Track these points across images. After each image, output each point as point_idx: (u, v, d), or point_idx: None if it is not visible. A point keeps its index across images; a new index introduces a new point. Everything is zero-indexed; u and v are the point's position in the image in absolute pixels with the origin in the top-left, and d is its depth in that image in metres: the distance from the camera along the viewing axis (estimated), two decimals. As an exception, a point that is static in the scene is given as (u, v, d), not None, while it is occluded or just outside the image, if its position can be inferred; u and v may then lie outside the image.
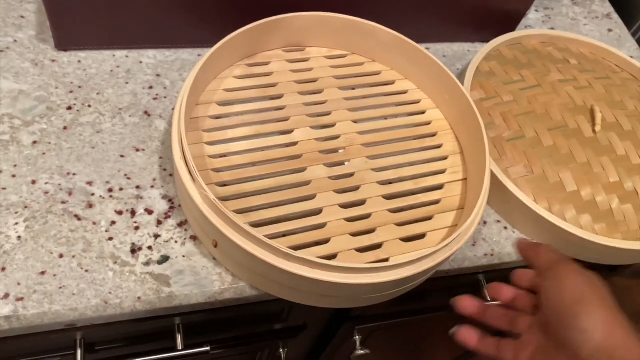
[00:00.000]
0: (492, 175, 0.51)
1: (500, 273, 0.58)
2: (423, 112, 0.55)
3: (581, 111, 0.57)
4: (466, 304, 0.43)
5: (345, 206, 0.47)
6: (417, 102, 0.56)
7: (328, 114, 0.53)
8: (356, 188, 0.49)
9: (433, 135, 0.54)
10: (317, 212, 0.47)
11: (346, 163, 0.50)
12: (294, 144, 0.50)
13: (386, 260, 0.45)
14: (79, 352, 0.50)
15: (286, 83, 0.54)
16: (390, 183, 0.50)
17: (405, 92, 0.57)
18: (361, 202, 0.48)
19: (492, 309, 0.43)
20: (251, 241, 0.40)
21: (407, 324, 0.75)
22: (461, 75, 0.59)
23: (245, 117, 0.51)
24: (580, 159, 0.53)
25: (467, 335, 0.42)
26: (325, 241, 0.45)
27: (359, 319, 0.67)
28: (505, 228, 0.53)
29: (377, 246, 0.46)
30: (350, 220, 0.47)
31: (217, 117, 0.50)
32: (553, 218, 0.48)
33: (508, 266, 0.53)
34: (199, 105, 0.50)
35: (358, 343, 0.71)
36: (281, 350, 0.69)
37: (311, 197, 0.47)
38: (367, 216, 0.47)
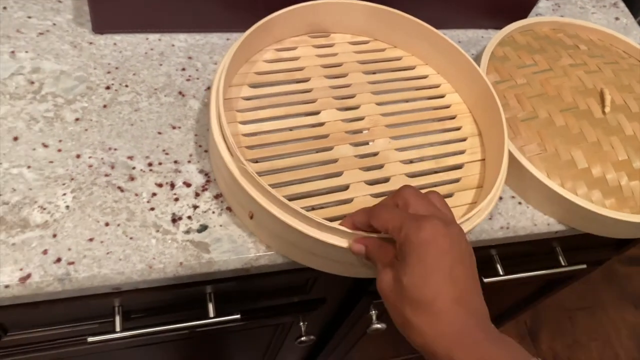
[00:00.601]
0: (508, 153, 0.54)
1: (513, 248, 0.62)
2: (442, 96, 0.58)
3: (591, 94, 0.60)
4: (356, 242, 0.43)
5: (370, 183, 0.50)
6: (436, 86, 0.59)
7: (352, 96, 0.56)
8: (381, 166, 0.52)
9: (452, 118, 0.57)
10: (344, 188, 0.50)
11: (370, 143, 0.53)
12: (321, 124, 0.53)
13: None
14: (117, 319, 0.54)
15: (312, 67, 0.57)
16: (412, 162, 0.53)
17: (425, 77, 0.59)
18: (385, 180, 0.51)
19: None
20: (287, 212, 0.43)
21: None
22: (476, 60, 0.62)
23: (275, 98, 0.54)
24: (591, 139, 0.56)
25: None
26: None
27: (376, 293, 0.70)
28: (520, 203, 0.56)
29: None
30: (375, 196, 0.50)
31: (249, 99, 0.53)
32: (566, 193, 0.51)
33: (520, 239, 0.57)
34: (231, 87, 0.53)
35: (374, 317, 0.74)
36: (301, 324, 0.72)
37: (338, 174, 0.50)
38: (391, 193, 0.50)
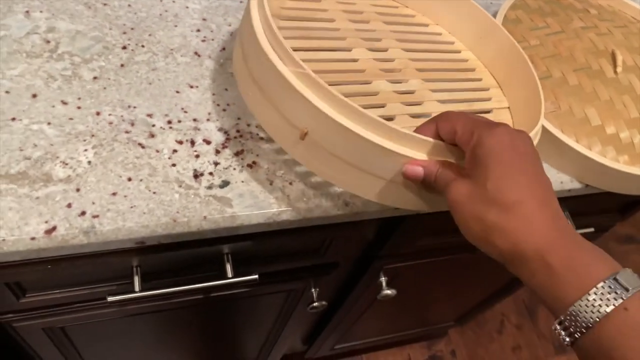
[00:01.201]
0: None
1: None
2: (458, 52, 0.58)
3: (603, 55, 0.60)
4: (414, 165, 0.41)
5: (414, 116, 0.49)
6: (451, 43, 0.59)
7: (379, 40, 0.55)
8: (420, 103, 0.51)
9: (472, 70, 0.57)
10: (390, 118, 0.48)
11: (405, 82, 0.52)
12: (355, 60, 0.52)
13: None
14: (136, 279, 0.54)
15: (335, 11, 0.56)
16: (449, 102, 0.52)
17: (439, 34, 0.60)
18: (427, 114, 0.50)
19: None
20: (353, 119, 0.38)
21: (433, 266, 0.78)
22: (489, 22, 0.63)
23: (304, 32, 0.52)
24: (604, 97, 0.57)
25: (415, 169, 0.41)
26: None
27: (387, 257, 0.70)
28: (534, 162, 0.57)
29: None
30: None
31: (280, 29, 0.49)
32: (581, 148, 0.52)
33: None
34: None
35: (384, 284, 0.75)
36: (313, 290, 0.73)
37: (382, 105, 0.49)
38: None
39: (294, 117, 0.42)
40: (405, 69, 0.53)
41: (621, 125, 0.56)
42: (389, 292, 0.74)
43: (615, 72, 0.59)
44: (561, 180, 0.56)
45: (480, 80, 0.56)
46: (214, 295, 0.66)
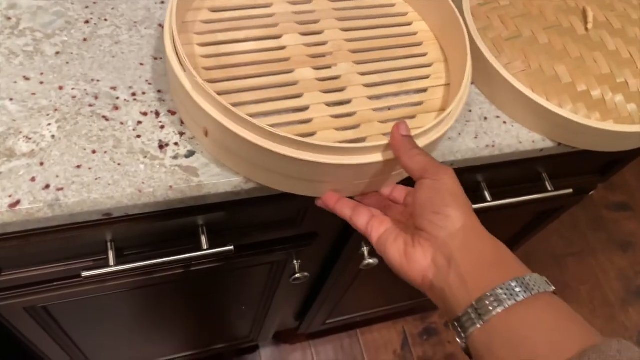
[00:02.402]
0: (492, 70, 0.54)
1: (499, 173, 0.62)
2: (409, 24, 0.58)
3: (574, 12, 0.60)
4: (326, 197, 0.47)
5: (331, 104, 0.50)
6: (404, 14, 0.58)
7: (316, 21, 0.55)
8: (342, 89, 0.51)
9: (418, 44, 0.56)
10: (304, 108, 0.49)
11: (333, 67, 0.53)
12: (283, 47, 0.52)
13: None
14: (110, 254, 0.54)
15: None
16: (376, 85, 0.53)
17: (392, 5, 0.59)
18: (347, 102, 0.51)
19: (369, 197, 0.48)
20: (240, 124, 0.42)
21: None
22: (459, -16, 0.62)
23: (235, 22, 0.53)
24: (574, 54, 0.56)
25: (327, 197, 0.47)
26: (311, 134, 0.48)
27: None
28: (505, 122, 0.57)
29: (361, 140, 0.49)
30: (335, 117, 0.49)
31: (209, 22, 0.52)
32: (551, 106, 0.52)
33: (506, 158, 0.57)
34: (191, 11, 0.52)
35: (366, 253, 0.75)
36: (294, 262, 0.73)
37: (298, 95, 0.50)
38: (352, 114, 0.50)
39: (195, 117, 0.45)
40: (338, 52, 0.53)
41: (592, 82, 0.55)
42: (371, 261, 0.75)
43: (586, 28, 0.58)
44: (533, 139, 0.56)
45: (424, 55, 0.55)
46: (195, 269, 0.66)
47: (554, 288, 0.37)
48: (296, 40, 0.53)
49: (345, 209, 0.46)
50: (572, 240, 1.65)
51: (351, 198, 0.48)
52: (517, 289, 0.35)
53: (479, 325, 0.36)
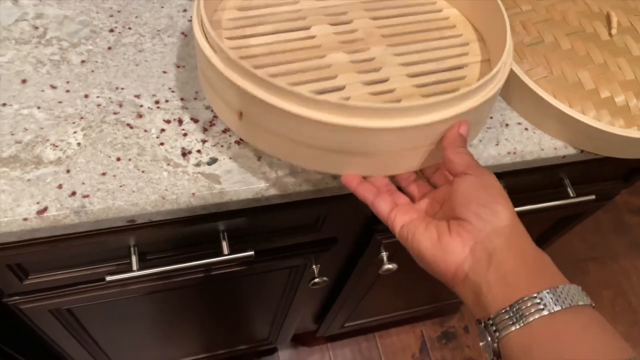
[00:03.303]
0: (514, 76, 0.53)
1: (521, 179, 0.62)
2: (440, 11, 0.57)
3: (597, 17, 0.59)
4: (348, 177, 0.44)
5: (368, 83, 0.48)
6: (432, 3, 0.58)
7: (345, 13, 0.54)
8: (378, 69, 0.50)
9: (452, 27, 0.55)
10: (340, 88, 0.48)
11: (366, 50, 0.51)
12: (312, 37, 0.51)
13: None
14: (133, 258, 0.55)
15: None
16: (414, 65, 0.51)
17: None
18: (384, 80, 0.49)
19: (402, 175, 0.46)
20: (275, 94, 0.40)
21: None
22: (480, -11, 0.61)
23: (262, 18, 0.52)
24: (598, 60, 0.56)
25: (349, 178, 0.44)
26: None
27: (387, 231, 0.70)
28: (526, 129, 0.56)
29: None
30: (374, 94, 0.48)
31: (236, 19, 0.52)
32: (573, 112, 0.51)
33: (528, 165, 0.57)
34: (218, 11, 0.52)
35: (385, 258, 0.75)
36: (314, 267, 0.73)
37: (333, 77, 0.48)
38: (391, 90, 0.48)
39: (229, 98, 0.43)
40: (369, 38, 0.52)
41: (616, 88, 0.55)
42: (390, 266, 0.75)
43: (610, 34, 0.58)
44: (555, 146, 0.55)
45: (460, 36, 0.54)
46: (215, 273, 0.67)
47: (593, 303, 0.36)
48: (326, 30, 0.52)
49: (367, 193, 0.44)
50: (594, 244, 1.62)
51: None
52: (561, 297, 0.35)
53: (517, 327, 0.35)
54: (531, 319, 0.34)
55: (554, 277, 0.37)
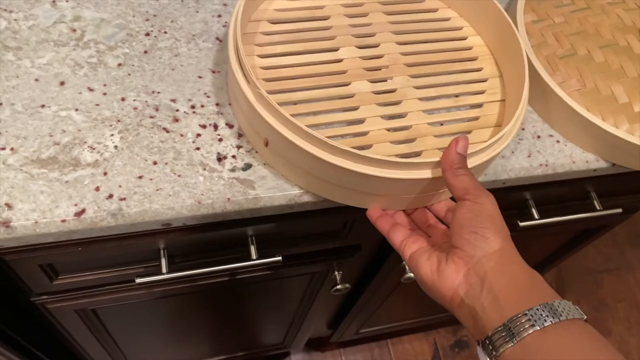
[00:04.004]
0: (546, 88, 0.53)
1: (548, 191, 0.62)
2: (464, 39, 0.58)
3: (631, 30, 0.59)
4: (371, 211, 0.49)
5: (386, 117, 0.51)
6: (458, 29, 0.58)
7: (372, 35, 0.56)
8: (398, 102, 0.52)
9: (473, 59, 0.56)
10: (360, 121, 0.50)
11: (389, 80, 0.53)
12: (339, 60, 0.53)
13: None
14: (163, 261, 0.55)
15: (333, 6, 0.56)
16: (431, 100, 0.53)
17: (447, 20, 0.59)
18: (402, 115, 0.51)
19: (418, 211, 0.50)
20: (298, 134, 0.43)
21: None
22: (512, 0, 0.62)
23: (294, 34, 0.54)
24: (631, 74, 0.56)
25: (371, 211, 0.49)
26: (367, 147, 0.48)
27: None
28: (558, 142, 0.56)
29: (417, 154, 0.49)
30: (391, 130, 0.50)
31: (268, 34, 0.53)
32: (607, 126, 0.51)
33: (559, 177, 0.57)
34: (251, 22, 0.53)
35: (408, 267, 0.75)
36: (336, 273, 0.74)
37: (355, 108, 0.51)
38: (407, 127, 0.51)
39: (257, 127, 0.46)
40: (393, 66, 0.54)
41: (649, 102, 0.54)
42: (412, 275, 0.74)
43: (644, 48, 0.57)
44: (587, 159, 0.55)
45: (479, 70, 0.55)
46: (239, 277, 0.67)
47: (585, 317, 0.37)
48: (353, 53, 0.54)
49: (384, 225, 0.48)
50: (610, 255, 1.61)
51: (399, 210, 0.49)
52: (551, 312, 0.36)
53: (512, 344, 0.36)
54: (525, 334, 0.36)
55: (545, 293, 0.38)
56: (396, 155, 0.48)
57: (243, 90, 0.45)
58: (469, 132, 0.51)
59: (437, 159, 0.44)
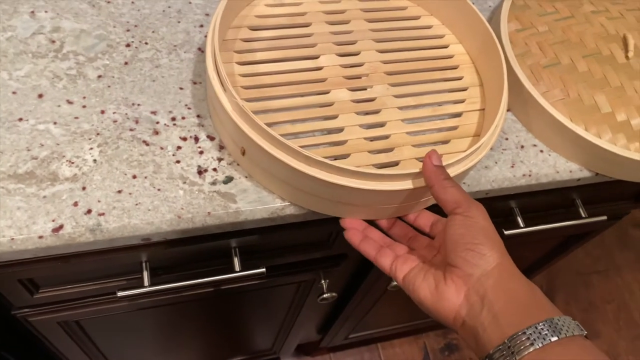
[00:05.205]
0: (530, 98, 0.53)
1: (533, 200, 0.62)
2: (446, 47, 0.58)
3: (614, 39, 0.59)
4: (351, 233, 0.48)
5: (365, 127, 0.50)
6: (440, 36, 0.58)
7: (354, 42, 0.55)
8: (377, 111, 0.52)
9: (454, 68, 0.56)
10: (339, 130, 0.50)
11: (368, 89, 0.53)
12: (320, 68, 0.53)
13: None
14: (145, 274, 0.54)
15: (315, 13, 0.56)
16: (410, 108, 0.53)
17: (429, 27, 0.59)
18: (381, 124, 0.51)
19: (395, 227, 0.48)
20: (274, 144, 0.43)
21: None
22: (497, 9, 0.61)
23: (274, 41, 0.53)
24: (614, 83, 0.56)
25: (352, 234, 0.48)
26: (345, 156, 0.48)
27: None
28: (542, 151, 0.56)
29: (394, 164, 0.49)
30: (369, 139, 0.50)
31: (248, 40, 0.53)
32: (589, 136, 0.51)
33: (543, 187, 0.57)
34: (231, 29, 0.53)
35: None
36: (322, 282, 0.73)
37: (334, 117, 0.50)
38: (386, 137, 0.50)
39: (233, 136, 0.46)
40: (374, 74, 0.54)
41: (632, 111, 0.54)
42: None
43: (627, 57, 0.57)
44: (570, 169, 0.55)
45: (460, 79, 0.55)
46: (225, 288, 0.66)
47: (586, 332, 0.37)
48: (333, 61, 0.54)
49: (369, 249, 0.47)
50: (598, 258, 1.62)
51: (376, 226, 0.49)
52: (551, 330, 0.36)
53: None
54: (525, 352, 0.35)
55: (545, 309, 0.38)
56: (374, 165, 0.48)
57: (219, 98, 0.45)
58: (448, 141, 0.51)
59: (413, 170, 0.43)
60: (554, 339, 0.35)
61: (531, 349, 0.35)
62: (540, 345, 0.35)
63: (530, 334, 0.36)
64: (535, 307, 0.38)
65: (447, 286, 0.40)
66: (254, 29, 0.54)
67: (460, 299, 0.40)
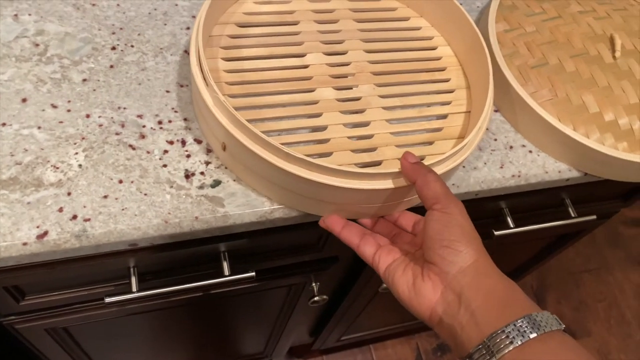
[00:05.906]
0: (518, 98, 0.53)
1: (523, 200, 0.62)
2: (434, 48, 0.57)
3: (601, 39, 0.59)
4: (332, 220, 0.47)
5: (349, 126, 0.50)
6: (429, 38, 0.58)
7: (341, 42, 0.55)
8: (361, 111, 0.51)
9: (442, 70, 0.56)
10: (322, 128, 0.49)
11: (354, 88, 0.53)
12: (306, 66, 0.53)
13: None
14: (133, 279, 0.54)
15: (303, 11, 0.56)
16: (395, 109, 0.52)
17: (418, 29, 0.59)
18: (365, 124, 0.51)
19: (377, 225, 0.48)
20: (254, 141, 0.42)
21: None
22: (485, 9, 0.61)
23: (261, 39, 0.53)
24: (602, 83, 0.56)
25: (333, 221, 0.47)
26: (327, 154, 0.48)
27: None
28: (530, 151, 0.56)
29: (377, 163, 0.49)
30: (353, 138, 0.49)
31: (234, 37, 0.53)
32: (578, 136, 0.51)
33: (532, 187, 0.57)
34: (218, 25, 0.53)
35: (384, 282, 0.74)
36: (313, 284, 0.73)
37: (317, 115, 0.50)
38: (369, 136, 0.50)
39: (214, 131, 0.46)
40: (360, 74, 0.53)
41: (620, 111, 0.55)
42: (390, 284, 0.74)
43: (614, 56, 0.58)
44: (559, 169, 0.55)
45: (447, 81, 0.55)
46: (214, 292, 0.66)
47: (564, 326, 0.37)
48: (320, 60, 0.53)
49: (352, 237, 0.46)
50: (589, 256, 1.63)
51: (359, 223, 0.48)
52: (529, 327, 0.36)
53: None
54: (506, 351, 0.35)
55: (523, 306, 0.38)
56: (356, 164, 0.48)
57: (201, 92, 0.44)
58: (432, 142, 0.51)
59: (393, 169, 0.43)
60: (533, 335, 0.35)
61: (511, 347, 0.35)
62: (520, 342, 0.35)
63: (509, 331, 0.36)
64: (513, 303, 0.38)
65: (424, 282, 0.40)
66: (242, 25, 0.53)
67: (437, 296, 0.40)
